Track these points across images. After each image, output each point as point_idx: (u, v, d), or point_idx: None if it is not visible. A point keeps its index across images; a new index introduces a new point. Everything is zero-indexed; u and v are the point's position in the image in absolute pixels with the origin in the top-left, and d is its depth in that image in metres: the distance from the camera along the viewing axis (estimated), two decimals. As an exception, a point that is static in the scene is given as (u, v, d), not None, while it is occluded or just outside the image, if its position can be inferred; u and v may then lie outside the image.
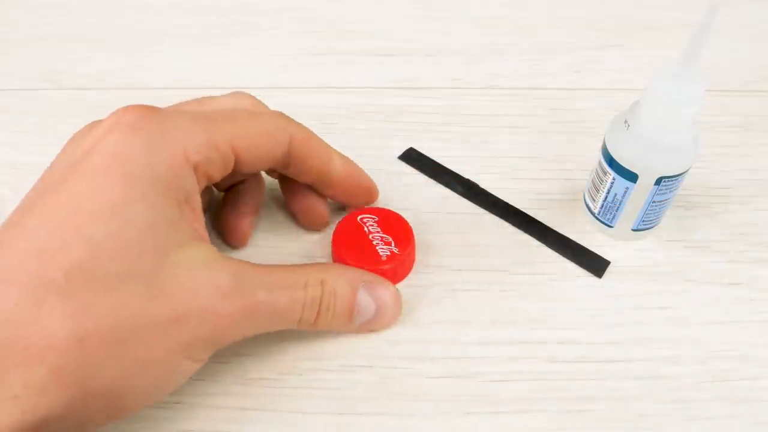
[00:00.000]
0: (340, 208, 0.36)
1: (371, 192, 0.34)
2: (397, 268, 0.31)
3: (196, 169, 0.26)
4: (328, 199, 0.34)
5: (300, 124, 0.31)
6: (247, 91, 0.43)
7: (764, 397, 0.29)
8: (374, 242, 0.32)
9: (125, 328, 0.23)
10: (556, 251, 0.34)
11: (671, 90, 0.28)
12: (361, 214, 0.33)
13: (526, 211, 0.36)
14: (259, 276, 0.27)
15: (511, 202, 0.36)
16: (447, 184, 0.37)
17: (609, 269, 0.33)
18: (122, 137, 0.25)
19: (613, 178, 0.31)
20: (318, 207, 0.34)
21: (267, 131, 0.29)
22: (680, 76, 0.28)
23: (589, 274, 0.33)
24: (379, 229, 0.33)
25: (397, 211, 0.33)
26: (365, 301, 0.30)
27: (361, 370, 0.30)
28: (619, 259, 0.34)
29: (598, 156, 0.33)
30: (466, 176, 0.37)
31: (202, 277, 0.25)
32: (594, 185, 0.33)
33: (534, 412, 0.29)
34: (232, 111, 0.29)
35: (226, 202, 0.34)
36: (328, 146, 0.32)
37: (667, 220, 0.35)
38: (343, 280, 0.29)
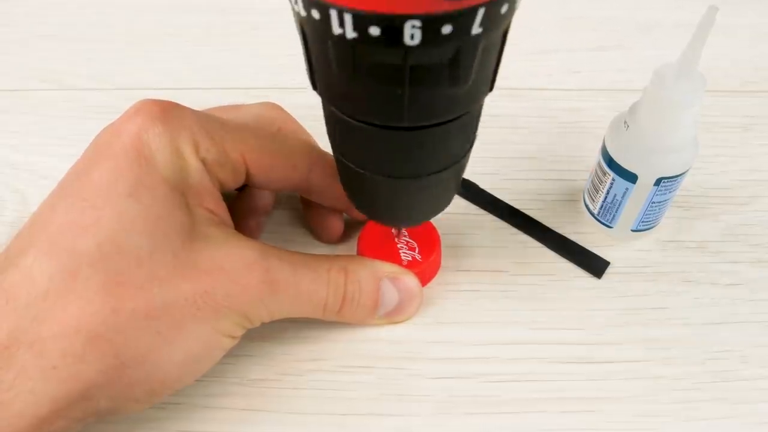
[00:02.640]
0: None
1: None
2: (416, 275, 0.31)
3: (213, 175, 0.27)
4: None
5: (327, 154, 0.31)
6: (247, 91, 0.43)
7: (764, 397, 0.29)
8: (399, 245, 0.32)
9: (156, 300, 0.23)
10: (555, 252, 0.34)
11: (671, 91, 0.28)
12: None
13: (525, 212, 0.36)
14: (282, 255, 0.27)
15: (510, 203, 0.36)
16: (447, 185, 0.37)
17: (609, 270, 0.33)
18: (144, 122, 0.25)
19: (613, 179, 0.31)
20: (334, 223, 0.34)
21: (285, 153, 0.29)
22: (679, 77, 0.28)
23: (589, 274, 0.33)
24: (405, 234, 0.32)
25: None
26: (389, 291, 0.30)
27: (362, 370, 0.30)
28: (619, 260, 0.34)
29: (598, 157, 0.33)
30: (466, 177, 0.37)
31: (227, 252, 0.25)
32: (593, 186, 0.33)
33: (534, 412, 0.29)
34: (256, 126, 0.30)
35: (237, 199, 0.34)
36: None
37: (666, 221, 0.35)
38: (367, 271, 0.29)
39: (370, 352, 0.30)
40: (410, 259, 0.32)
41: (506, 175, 0.38)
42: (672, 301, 0.32)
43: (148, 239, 0.24)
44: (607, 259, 0.34)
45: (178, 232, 0.24)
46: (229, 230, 0.27)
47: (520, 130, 0.40)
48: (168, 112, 0.26)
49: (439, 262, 0.33)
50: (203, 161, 0.27)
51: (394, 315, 0.31)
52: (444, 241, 0.33)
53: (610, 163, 0.31)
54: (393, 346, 0.31)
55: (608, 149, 0.31)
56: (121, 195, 0.24)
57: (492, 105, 0.42)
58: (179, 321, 0.24)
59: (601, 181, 0.32)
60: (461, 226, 0.35)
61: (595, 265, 0.33)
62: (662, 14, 0.49)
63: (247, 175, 0.29)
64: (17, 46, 0.46)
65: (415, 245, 0.32)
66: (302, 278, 0.27)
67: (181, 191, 0.25)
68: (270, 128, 0.31)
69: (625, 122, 0.30)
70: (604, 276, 0.33)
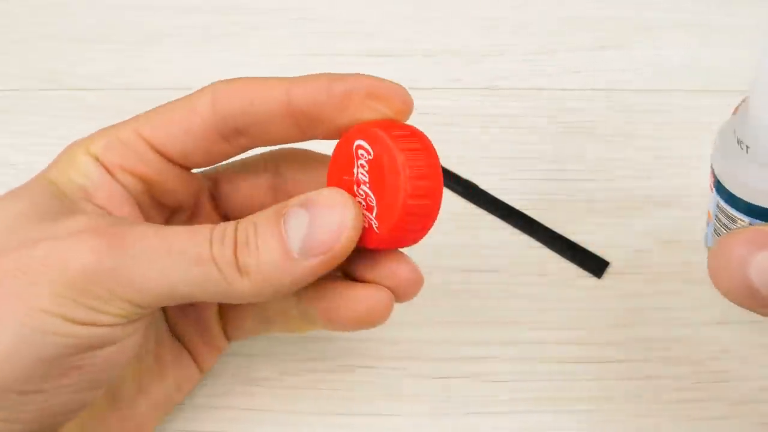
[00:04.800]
0: None
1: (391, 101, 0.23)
2: (373, 245, 0.22)
3: (109, 166, 0.24)
4: None
5: (237, 78, 0.24)
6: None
7: (764, 397, 0.29)
8: (357, 199, 0.22)
9: None
10: (555, 252, 0.34)
11: None
12: (360, 137, 0.22)
13: (525, 212, 0.36)
14: (148, 223, 0.24)
15: (510, 203, 0.36)
16: (447, 185, 0.37)
17: (609, 270, 0.33)
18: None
19: (750, 223, 0.24)
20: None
21: (176, 105, 0.25)
22: None
23: (589, 274, 0.33)
24: (366, 179, 0.22)
25: None
26: (295, 217, 0.21)
27: (361, 370, 0.30)
28: (619, 260, 0.34)
29: (713, 197, 0.25)
30: (466, 176, 0.37)
31: (74, 220, 0.22)
32: (718, 235, 0.26)
33: (534, 412, 0.29)
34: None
35: None
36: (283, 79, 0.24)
37: (666, 221, 0.35)
38: (268, 209, 0.22)
39: (369, 352, 0.30)
40: (366, 226, 0.22)
41: (506, 175, 0.38)
42: (672, 301, 0.32)
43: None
44: (607, 259, 0.34)
45: (16, 238, 0.22)
46: (84, 218, 0.22)
47: (520, 130, 0.40)
48: (99, 133, 0.25)
49: (417, 216, 0.22)
50: (103, 163, 0.24)
51: (318, 247, 0.21)
52: (444, 240, 0.33)
53: (739, 204, 0.23)
54: (393, 346, 0.31)
55: (730, 187, 0.23)
56: (4, 198, 0.24)
57: (492, 105, 0.42)
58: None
59: (729, 229, 0.25)
60: (461, 226, 0.35)
61: (595, 265, 0.33)
62: (662, 14, 0.49)
63: (161, 150, 0.24)
64: (17, 46, 0.46)
65: (374, 202, 0.21)
66: (171, 232, 0.22)
67: (29, 200, 0.23)
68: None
69: (741, 142, 0.22)
70: (604, 276, 0.33)
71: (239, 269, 0.21)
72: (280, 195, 0.26)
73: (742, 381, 0.29)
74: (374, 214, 0.22)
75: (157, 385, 0.26)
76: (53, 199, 0.23)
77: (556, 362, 0.30)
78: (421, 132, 0.22)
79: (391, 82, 0.23)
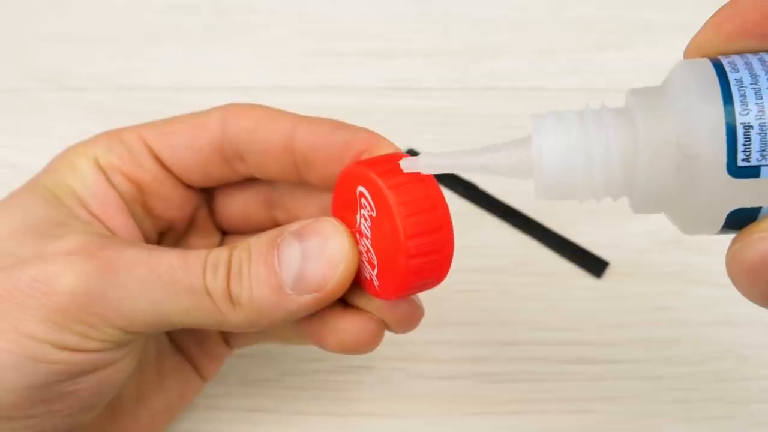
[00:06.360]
0: None
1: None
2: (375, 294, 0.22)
3: (106, 168, 0.24)
4: None
5: (250, 104, 0.24)
6: (247, 91, 0.43)
7: (764, 397, 0.29)
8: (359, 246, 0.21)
9: None
10: (555, 252, 0.34)
11: None
12: (363, 184, 0.20)
13: (525, 212, 0.36)
14: (149, 244, 0.23)
15: (510, 203, 0.36)
16: (447, 185, 0.37)
17: (608, 270, 0.33)
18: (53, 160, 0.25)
19: None
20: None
21: (186, 119, 0.24)
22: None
23: (589, 274, 0.33)
24: (369, 233, 0.21)
25: None
26: (289, 248, 0.20)
27: (362, 370, 0.30)
28: (619, 260, 0.34)
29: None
30: (466, 177, 0.37)
31: (65, 240, 0.21)
32: None
33: (534, 412, 0.29)
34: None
35: None
36: (294, 116, 0.23)
37: (666, 221, 0.35)
38: (264, 236, 0.21)
39: (370, 352, 0.30)
40: (367, 277, 0.21)
41: (506, 175, 0.38)
42: (672, 301, 0.32)
43: None
44: (607, 259, 0.34)
45: (30, 236, 0.21)
46: (78, 237, 0.21)
47: (520, 130, 0.40)
48: (102, 134, 0.25)
49: (417, 277, 0.21)
50: (103, 167, 0.24)
51: (309, 285, 0.20)
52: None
53: None
54: (393, 347, 0.31)
55: None
56: None
57: (492, 105, 0.42)
58: None
59: None
60: (461, 226, 0.35)
61: (594, 265, 0.33)
62: (662, 14, 0.49)
63: (161, 160, 0.24)
64: (17, 46, 0.46)
65: (375, 260, 0.21)
66: (163, 258, 0.20)
67: (28, 212, 0.22)
68: None
69: None
70: (604, 276, 0.33)
71: (232, 300, 0.21)
72: (275, 209, 0.26)
73: (742, 381, 0.30)
74: (375, 272, 0.21)
75: (159, 395, 0.26)
76: (48, 209, 0.22)
77: (556, 362, 0.30)
78: (431, 177, 0.21)
79: (387, 140, 0.23)
